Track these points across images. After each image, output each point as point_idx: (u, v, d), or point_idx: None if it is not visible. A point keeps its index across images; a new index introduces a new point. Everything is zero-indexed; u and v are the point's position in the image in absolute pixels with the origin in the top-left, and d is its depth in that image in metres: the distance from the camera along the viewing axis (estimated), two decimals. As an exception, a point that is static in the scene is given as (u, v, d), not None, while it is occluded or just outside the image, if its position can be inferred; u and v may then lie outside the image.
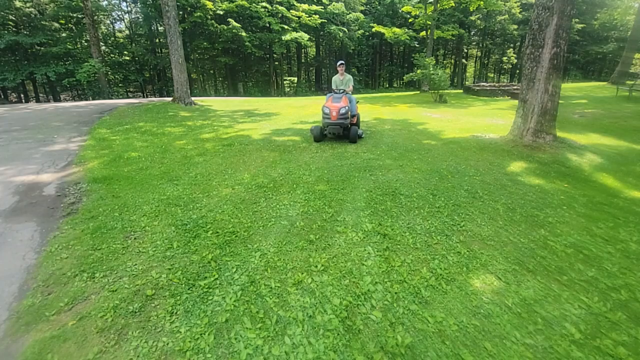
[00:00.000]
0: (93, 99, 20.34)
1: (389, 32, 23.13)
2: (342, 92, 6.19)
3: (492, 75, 44.50)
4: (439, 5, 19.30)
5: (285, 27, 27.08)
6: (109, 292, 2.26)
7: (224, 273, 2.45)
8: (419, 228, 3.08)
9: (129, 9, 30.50)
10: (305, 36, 27.29)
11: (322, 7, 28.95)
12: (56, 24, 22.62)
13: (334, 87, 6.63)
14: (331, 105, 5.90)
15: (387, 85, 40.44)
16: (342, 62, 6.53)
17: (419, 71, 14.95)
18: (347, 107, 5.87)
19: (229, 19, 25.17)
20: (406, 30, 24.75)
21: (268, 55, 31.03)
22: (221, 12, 25.00)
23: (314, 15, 27.70)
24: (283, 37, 26.52)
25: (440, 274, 2.42)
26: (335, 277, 2.39)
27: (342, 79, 6.62)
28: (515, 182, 4.27)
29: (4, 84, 21.16)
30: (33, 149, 5.77)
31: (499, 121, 8.63)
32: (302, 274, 2.42)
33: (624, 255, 2.70)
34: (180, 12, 23.60)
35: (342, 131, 5.96)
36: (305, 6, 27.58)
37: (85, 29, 21.34)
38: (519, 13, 33.84)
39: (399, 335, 1.88)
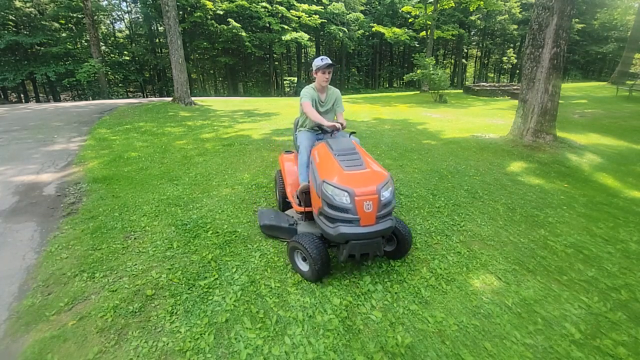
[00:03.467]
0: (93, 99, 20.33)
1: (389, 32, 23.16)
2: (332, 132, 2.79)
3: (492, 75, 44.49)
4: (439, 5, 19.30)
5: (285, 27, 27.08)
6: (109, 292, 2.26)
7: (224, 273, 2.45)
8: (419, 228, 3.08)
9: (129, 9, 30.51)
10: (305, 36, 27.28)
11: (322, 7, 28.94)
12: (56, 24, 22.61)
13: (307, 110, 2.88)
14: (353, 181, 2.20)
15: (387, 85, 40.43)
16: (330, 61, 2.89)
17: (419, 71, 14.97)
18: (390, 184, 2.28)
19: (229, 19, 25.16)
20: (406, 30, 24.77)
21: (268, 55, 31.03)
22: (221, 12, 25.00)
23: (314, 15, 27.69)
24: (283, 37, 26.51)
25: (440, 274, 2.42)
26: (335, 277, 2.38)
27: (324, 97, 3.08)
28: (515, 182, 4.27)
29: (4, 84, 21.15)
30: (33, 149, 5.77)
31: (499, 121, 8.63)
32: (302, 274, 2.42)
33: (624, 255, 2.71)
34: (180, 12, 23.59)
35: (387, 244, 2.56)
36: (305, 6, 27.57)
37: (85, 29, 21.32)
38: (519, 13, 33.84)
39: (399, 335, 1.88)
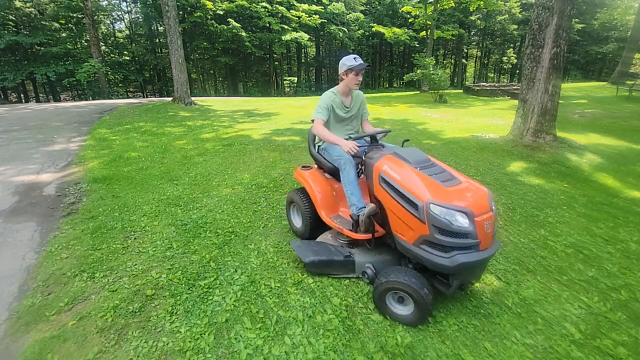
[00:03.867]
0: (93, 99, 20.33)
1: (389, 32, 23.17)
2: (375, 143, 2.45)
3: (492, 75, 44.47)
4: (439, 5, 19.29)
5: (285, 27, 27.08)
6: (109, 292, 2.26)
7: (223, 273, 2.45)
8: (419, 228, 3.07)
9: (129, 9, 30.53)
10: (305, 36, 27.29)
11: (322, 7, 28.95)
12: (56, 24, 22.62)
13: (317, 130, 2.48)
14: (463, 198, 1.89)
15: (387, 85, 40.42)
16: (363, 61, 2.49)
17: (419, 71, 14.96)
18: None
19: (229, 19, 25.17)
20: (406, 30, 24.77)
21: (268, 55, 31.03)
22: (221, 12, 25.01)
23: (314, 15, 27.69)
24: (283, 37, 26.52)
25: (440, 274, 2.42)
26: (335, 277, 2.38)
27: (348, 102, 2.66)
28: (515, 182, 4.27)
29: (4, 84, 21.17)
30: (33, 149, 5.77)
31: (499, 121, 8.63)
32: (303, 274, 2.42)
33: (624, 255, 2.71)
34: (180, 12, 23.59)
35: None
36: (305, 6, 27.57)
37: (85, 29, 21.34)
38: (519, 13, 33.83)
39: (398, 335, 1.88)
